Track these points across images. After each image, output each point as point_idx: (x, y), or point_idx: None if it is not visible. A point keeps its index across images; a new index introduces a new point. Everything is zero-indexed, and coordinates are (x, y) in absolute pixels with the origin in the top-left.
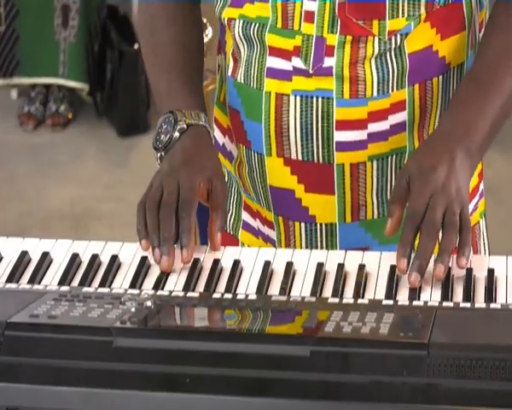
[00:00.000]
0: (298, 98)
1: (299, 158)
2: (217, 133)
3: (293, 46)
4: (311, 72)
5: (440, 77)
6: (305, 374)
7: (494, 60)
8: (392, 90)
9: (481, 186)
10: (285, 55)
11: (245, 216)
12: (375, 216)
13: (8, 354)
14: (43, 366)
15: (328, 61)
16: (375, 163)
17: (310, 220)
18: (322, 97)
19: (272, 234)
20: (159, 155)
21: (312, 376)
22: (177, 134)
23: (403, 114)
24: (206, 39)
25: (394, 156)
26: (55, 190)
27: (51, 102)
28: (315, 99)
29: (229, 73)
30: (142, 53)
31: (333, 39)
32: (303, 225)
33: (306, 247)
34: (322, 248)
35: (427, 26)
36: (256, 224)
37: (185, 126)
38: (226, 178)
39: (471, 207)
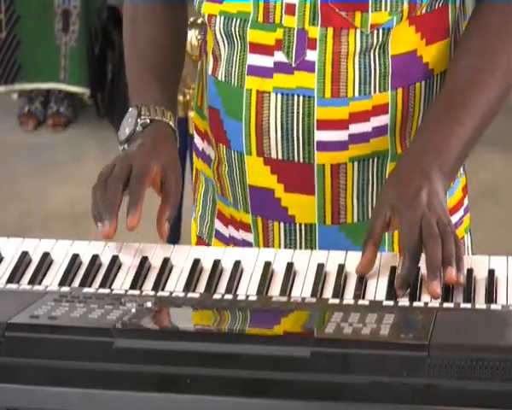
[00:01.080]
0: (279, 96)
1: (280, 157)
2: (197, 139)
3: (274, 40)
4: (293, 65)
5: (423, 82)
6: (305, 375)
7: (467, 78)
8: (375, 91)
9: (466, 201)
10: (267, 50)
11: (217, 225)
12: (355, 220)
13: (8, 355)
14: (43, 366)
15: (311, 55)
16: (356, 165)
17: (289, 220)
18: (304, 96)
19: (249, 237)
20: (121, 148)
21: (313, 377)
22: (139, 128)
23: (385, 117)
24: None
25: (376, 159)
26: (56, 191)
27: (52, 103)
28: (296, 97)
29: (210, 72)
30: (124, 46)
31: (314, 32)
32: (282, 224)
33: (285, 248)
34: (300, 249)
35: (411, 30)
36: (227, 231)
37: (148, 121)
38: (204, 187)
39: (455, 221)
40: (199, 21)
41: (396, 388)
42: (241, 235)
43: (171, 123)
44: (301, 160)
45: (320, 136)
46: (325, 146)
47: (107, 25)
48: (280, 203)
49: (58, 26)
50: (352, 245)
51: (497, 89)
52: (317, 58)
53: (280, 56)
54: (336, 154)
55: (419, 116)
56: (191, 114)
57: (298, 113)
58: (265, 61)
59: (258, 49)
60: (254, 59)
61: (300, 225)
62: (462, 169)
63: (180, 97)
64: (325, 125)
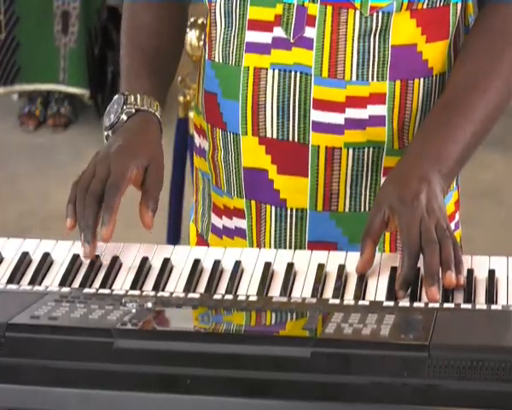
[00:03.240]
0: (276, 72)
1: (275, 136)
2: (196, 138)
3: (274, 15)
4: (292, 41)
5: (422, 80)
6: (305, 375)
7: (468, 83)
8: (372, 79)
9: (457, 216)
10: (266, 26)
11: (213, 219)
12: (347, 209)
13: (8, 356)
14: (43, 367)
15: (310, 32)
16: (350, 151)
17: (280, 204)
18: (301, 72)
19: (242, 223)
20: (105, 134)
21: (313, 377)
22: (124, 117)
23: (382, 108)
24: None
25: (371, 149)
26: (56, 191)
27: (52, 103)
28: (293, 74)
29: (206, 57)
30: (120, 38)
31: (314, 9)
32: (273, 208)
33: (276, 233)
34: (291, 236)
35: (412, 23)
36: (221, 222)
37: (133, 111)
38: (202, 184)
39: None
40: (199, 22)
41: (396, 388)
42: (234, 223)
43: (157, 113)
44: (296, 139)
45: (316, 116)
46: (321, 127)
47: (107, 25)
48: (272, 185)
49: (57, 27)
50: (342, 235)
51: (498, 95)
52: (315, 35)
53: (278, 32)
54: (331, 137)
55: (416, 116)
56: (191, 114)
57: (294, 90)
58: (264, 38)
59: (257, 25)
60: (253, 36)
61: (292, 210)
62: (455, 182)
63: (180, 98)
64: (321, 105)
